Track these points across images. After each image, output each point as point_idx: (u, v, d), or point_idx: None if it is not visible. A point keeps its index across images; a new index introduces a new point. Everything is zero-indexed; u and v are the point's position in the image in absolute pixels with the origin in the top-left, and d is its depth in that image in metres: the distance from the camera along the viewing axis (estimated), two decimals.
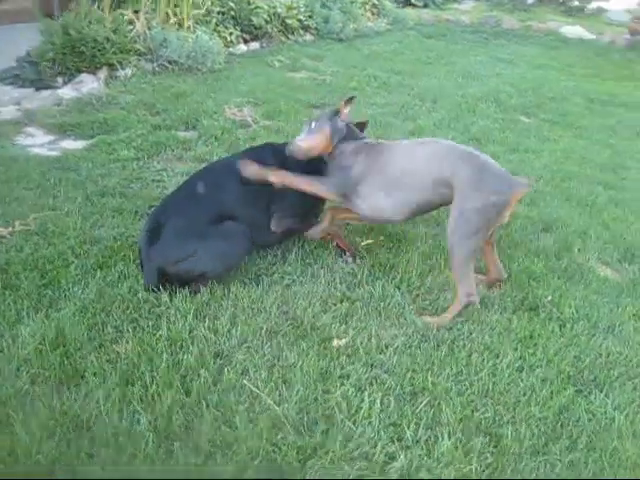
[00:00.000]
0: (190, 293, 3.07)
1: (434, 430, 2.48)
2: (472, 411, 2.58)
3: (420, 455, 2.36)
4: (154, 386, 2.49)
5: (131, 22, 6.19)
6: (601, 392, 2.78)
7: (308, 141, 3.31)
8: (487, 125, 5.86)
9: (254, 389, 2.56)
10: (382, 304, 3.17)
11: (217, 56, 6.44)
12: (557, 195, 4.56)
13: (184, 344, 2.75)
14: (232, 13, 7.23)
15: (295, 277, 3.33)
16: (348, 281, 3.34)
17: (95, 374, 2.55)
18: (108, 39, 5.70)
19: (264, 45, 7.69)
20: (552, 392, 2.73)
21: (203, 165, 4.31)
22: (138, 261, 3.16)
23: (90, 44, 5.62)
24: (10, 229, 3.49)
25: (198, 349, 2.73)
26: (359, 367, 2.74)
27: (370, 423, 2.47)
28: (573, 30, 10.39)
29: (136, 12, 6.27)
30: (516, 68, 8.16)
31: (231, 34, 7.10)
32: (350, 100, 3.35)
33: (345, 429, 2.42)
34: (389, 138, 4.21)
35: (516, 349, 2.95)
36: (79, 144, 4.76)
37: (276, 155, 3.46)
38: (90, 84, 5.65)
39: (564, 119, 6.27)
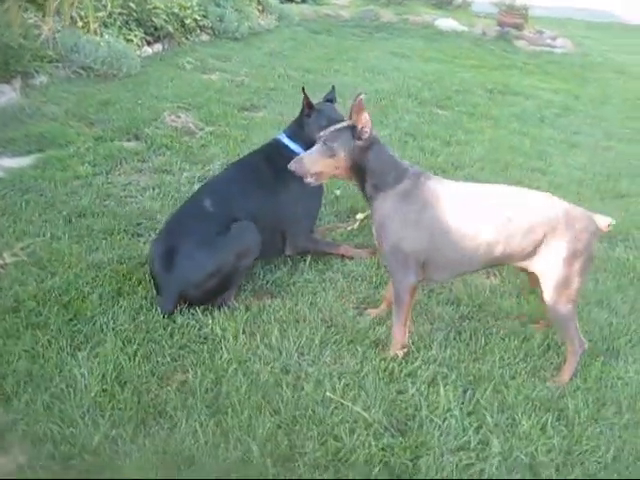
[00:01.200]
0: (219, 308, 3.01)
1: (506, 412, 2.62)
2: (531, 391, 2.75)
3: (507, 437, 2.49)
4: (245, 411, 2.44)
5: (37, 27, 5.77)
6: (617, 359, 3.06)
7: (316, 164, 2.76)
8: (413, 120, 6.12)
9: (341, 400, 2.57)
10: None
11: (132, 60, 6.18)
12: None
13: (249, 364, 2.71)
14: (134, 15, 6.94)
15: (317, 284, 3.35)
16: (366, 283, 3.41)
17: (176, 407, 2.45)
18: (21, 45, 5.29)
19: (166, 47, 7.47)
20: (585, 364, 2.96)
21: (166, 176, 4.22)
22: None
23: (2, 50, 5.19)
24: (0, 262, 3.21)
25: (267, 367, 2.70)
26: (418, 364, 2.83)
27: (453, 415, 2.57)
28: (446, 23, 11.01)
29: (43, 16, 5.86)
30: (410, 62, 8.53)
31: (135, 36, 6.83)
32: (360, 104, 2.62)
33: (434, 424, 2.51)
34: None
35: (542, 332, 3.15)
36: (21, 161, 4.42)
37: (284, 153, 3.42)
38: (7, 94, 5.23)
39: (476, 110, 6.68)
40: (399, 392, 2.68)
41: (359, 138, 2.66)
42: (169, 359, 2.71)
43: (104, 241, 3.52)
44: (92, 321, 2.86)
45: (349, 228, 3.90)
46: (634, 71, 10.23)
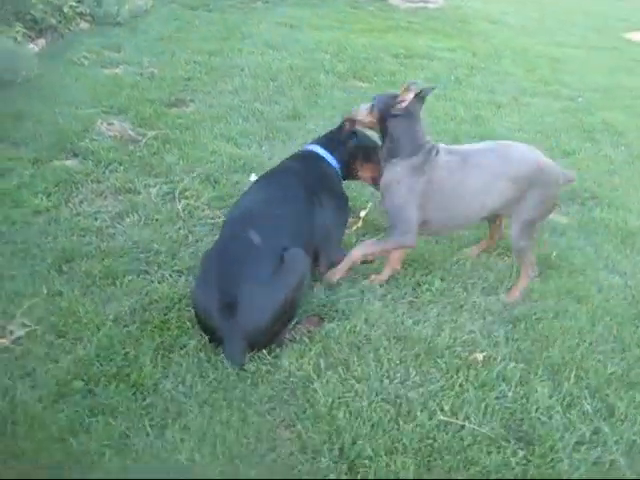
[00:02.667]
0: (280, 346, 2.80)
1: (597, 396, 2.70)
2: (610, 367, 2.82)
3: (612, 422, 2.58)
4: (382, 457, 2.29)
5: None
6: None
7: (361, 113, 3.28)
8: (342, 97, 5.97)
9: (458, 422, 2.49)
10: (446, 299, 3.25)
11: (28, 62, 5.48)
12: None
13: (350, 402, 2.54)
14: (9, 7, 6.14)
15: (358, 297, 3.20)
16: (395, 286, 3.31)
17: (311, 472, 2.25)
18: None
19: (49, 41, 6.71)
20: (605, 327, 3.13)
21: (133, 197, 3.87)
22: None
23: None
24: (10, 337, 2.75)
25: (367, 401, 2.55)
26: (501, 365, 2.80)
27: (557, 411, 2.60)
28: None
29: None
30: (303, 32, 8.30)
31: (17, 32, 6.06)
32: (410, 86, 3.12)
33: (548, 425, 2.51)
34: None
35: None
36: None
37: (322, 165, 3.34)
38: None
39: (395, 78, 6.63)
40: (497, 398, 2.63)
41: (393, 106, 3.09)
42: (267, 416, 2.46)
43: (112, 287, 3.12)
44: (159, 390, 2.54)
45: (354, 228, 3.75)
46: (505, 20, 10.67)
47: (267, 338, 2.74)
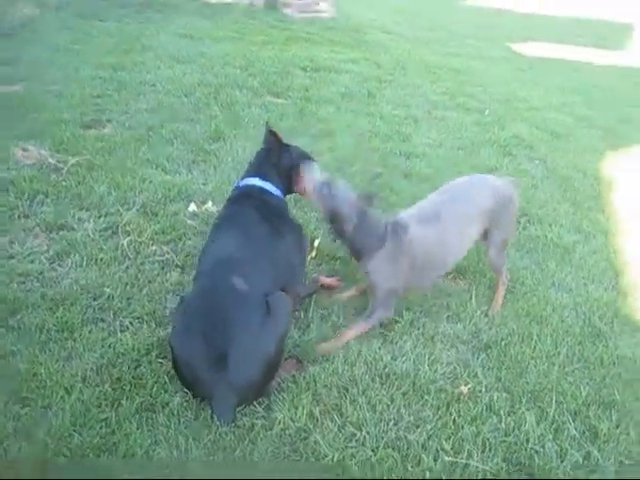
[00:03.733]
0: (268, 398, 2.68)
1: (579, 417, 2.81)
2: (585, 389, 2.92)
3: (599, 444, 2.70)
4: None
5: None
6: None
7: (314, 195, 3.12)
8: (263, 115, 5.85)
9: (463, 461, 2.49)
10: (417, 330, 3.26)
11: None
12: (398, 173, 4.96)
13: (354, 453, 2.47)
14: None
15: (332, 334, 3.13)
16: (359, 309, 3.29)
17: None
18: None
19: None
20: (568, 348, 3.27)
21: (68, 234, 3.63)
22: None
23: None
24: None
25: (371, 450, 2.50)
26: (487, 397, 2.84)
27: (549, 439, 2.65)
28: None
29: None
30: (206, 44, 8.07)
31: None
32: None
33: (547, 455, 2.57)
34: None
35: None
36: None
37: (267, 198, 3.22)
38: None
39: (310, 94, 6.59)
40: (491, 431, 2.66)
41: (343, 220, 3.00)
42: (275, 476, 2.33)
43: (71, 342, 2.86)
44: (154, 459, 2.34)
45: (308, 257, 3.66)
46: (399, 31, 10.91)
47: (258, 391, 2.60)
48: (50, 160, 4.36)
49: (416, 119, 6.36)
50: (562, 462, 2.56)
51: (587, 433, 2.74)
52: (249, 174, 3.33)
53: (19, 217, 3.75)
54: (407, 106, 6.77)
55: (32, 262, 3.39)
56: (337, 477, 2.34)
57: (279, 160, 3.30)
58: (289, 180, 3.34)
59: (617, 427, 2.78)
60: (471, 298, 3.54)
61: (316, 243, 3.75)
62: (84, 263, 3.40)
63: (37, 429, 2.38)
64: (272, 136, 3.29)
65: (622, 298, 3.81)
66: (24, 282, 3.22)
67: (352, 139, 5.49)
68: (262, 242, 2.97)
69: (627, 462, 2.62)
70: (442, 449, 2.53)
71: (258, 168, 3.31)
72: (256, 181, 3.24)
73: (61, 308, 3.03)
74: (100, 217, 3.85)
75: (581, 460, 2.59)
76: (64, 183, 4.14)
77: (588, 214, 4.79)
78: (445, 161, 5.36)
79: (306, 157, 3.38)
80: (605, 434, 2.73)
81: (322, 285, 3.45)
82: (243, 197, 3.20)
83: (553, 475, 2.49)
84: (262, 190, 3.22)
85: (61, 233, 3.65)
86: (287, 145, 3.38)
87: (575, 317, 3.55)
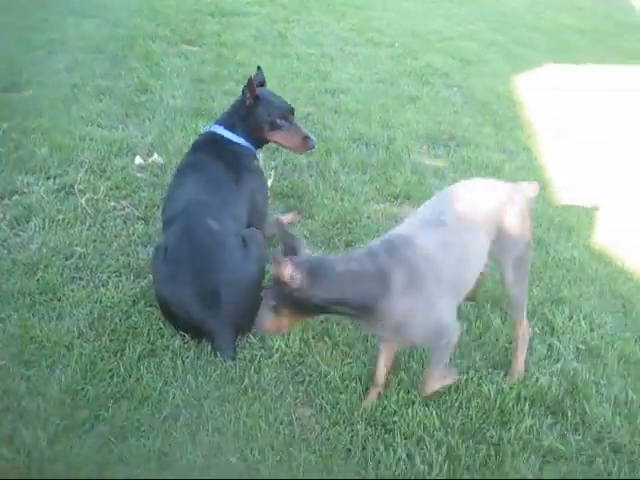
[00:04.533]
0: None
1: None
2: None
3: None
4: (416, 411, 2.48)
5: None
6: None
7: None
8: (185, 63, 5.81)
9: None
10: None
11: None
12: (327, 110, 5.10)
13: (352, 370, 2.68)
14: None
15: None
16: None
17: None
18: None
19: None
20: None
21: (21, 198, 3.61)
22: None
23: None
24: None
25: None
26: None
27: None
28: None
29: None
30: None
31: None
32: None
33: None
34: None
35: None
36: None
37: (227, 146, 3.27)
38: None
39: (222, 40, 6.51)
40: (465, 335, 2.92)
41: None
42: (286, 399, 2.52)
43: (57, 302, 2.90)
44: (169, 399, 2.46)
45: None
46: None
47: (251, 321, 2.75)
48: None
49: (331, 57, 6.47)
50: (530, 355, 2.85)
51: (545, 328, 3.07)
52: (217, 121, 3.38)
53: None
54: (319, 45, 6.86)
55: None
56: None
57: (248, 114, 3.29)
58: (260, 132, 3.35)
59: (570, 319, 3.12)
60: None
61: (269, 183, 3.86)
62: (46, 226, 3.39)
63: (49, 387, 2.44)
64: (248, 88, 3.25)
65: (553, 208, 4.16)
66: None
67: (275, 81, 5.50)
68: (227, 187, 3.07)
69: (583, 348, 2.95)
70: (425, 356, 2.76)
71: (227, 117, 3.36)
72: (221, 130, 3.30)
73: (38, 272, 3.03)
74: (49, 179, 3.81)
75: (545, 351, 2.91)
76: (1, 149, 4.03)
77: (509, 134, 5.12)
78: (369, 94, 5.54)
79: (283, 113, 3.35)
80: (561, 327, 3.07)
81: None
82: (207, 144, 3.27)
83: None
84: (226, 139, 3.28)
85: (14, 199, 3.61)
86: (263, 98, 3.32)
87: None
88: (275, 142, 3.48)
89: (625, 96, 6.41)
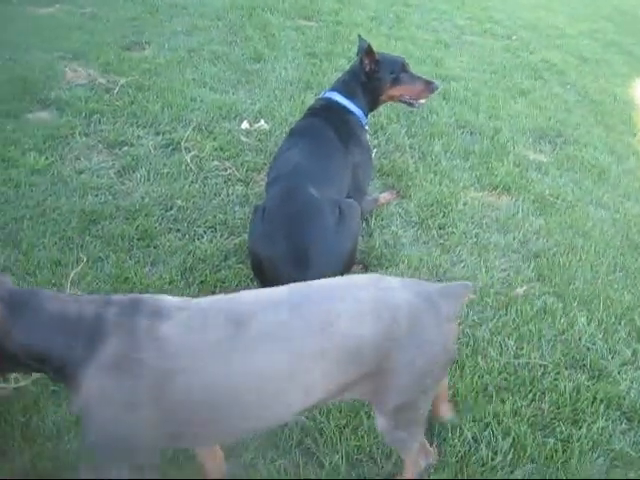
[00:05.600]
0: None
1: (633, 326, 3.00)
2: None
3: None
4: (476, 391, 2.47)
5: None
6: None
7: None
8: (301, 38, 5.88)
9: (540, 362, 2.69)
10: (470, 240, 3.45)
11: None
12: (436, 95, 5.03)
13: None
14: None
15: (389, 246, 3.31)
16: (422, 231, 3.45)
17: None
18: None
19: None
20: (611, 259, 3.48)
21: (130, 149, 3.79)
22: None
23: None
24: None
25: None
26: (545, 304, 3.04)
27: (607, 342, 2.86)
28: None
29: None
30: None
31: None
32: None
33: (604, 355, 2.79)
34: None
35: None
36: None
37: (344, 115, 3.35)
38: None
39: (338, 18, 6.59)
40: (549, 329, 2.86)
41: None
42: None
43: (152, 249, 3.06)
44: None
45: None
46: None
47: None
48: (101, 80, 4.47)
49: (446, 44, 6.41)
50: (612, 358, 2.78)
51: (633, 333, 2.96)
52: (334, 88, 3.46)
53: (80, 135, 3.88)
54: (435, 31, 6.80)
55: (101, 177, 3.55)
56: None
57: (369, 80, 3.39)
58: (375, 99, 3.47)
59: None
60: (518, 211, 3.71)
61: None
62: (151, 177, 3.56)
63: None
64: (367, 56, 3.35)
65: None
66: (97, 195, 3.38)
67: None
68: (334, 155, 3.12)
69: None
70: (505, 345, 2.74)
71: (344, 85, 3.43)
72: (339, 97, 3.38)
73: (138, 218, 3.20)
74: (158, 134, 3.99)
75: (630, 355, 2.81)
76: (117, 103, 4.26)
77: (620, 137, 4.93)
78: (480, 84, 5.45)
79: (403, 67, 3.49)
80: None
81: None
82: (323, 110, 3.35)
83: (604, 370, 2.69)
84: (342, 107, 3.35)
85: (124, 149, 3.80)
86: (381, 60, 3.41)
87: (614, 231, 3.73)
88: (397, 98, 3.57)
89: None
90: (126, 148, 3.81)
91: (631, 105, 5.59)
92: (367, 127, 3.53)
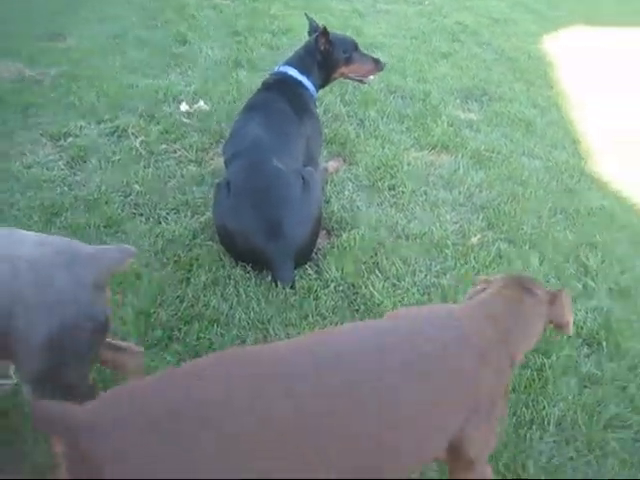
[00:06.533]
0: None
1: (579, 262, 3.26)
2: None
3: None
4: None
5: None
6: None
7: None
8: (221, 17, 5.88)
9: None
10: (420, 198, 3.62)
11: None
12: None
13: (400, 301, 2.85)
14: None
15: (346, 210, 3.45)
16: (375, 193, 3.62)
17: None
18: None
19: None
20: (551, 202, 3.74)
21: (74, 140, 3.75)
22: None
23: None
24: None
25: (414, 292, 2.87)
26: (499, 249, 3.26)
27: (559, 279, 3.11)
28: None
29: None
30: None
31: None
32: None
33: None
34: None
35: None
36: None
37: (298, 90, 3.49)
38: None
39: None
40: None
41: None
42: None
43: (122, 234, 3.09)
44: (236, 321, 2.63)
45: None
46: None
47: (309, 253, 2.94)
48: (29, 72, 4.37)
49: (362, 13, 6.55)
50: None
51: (580, 269, 3.23)
52: (289, 63, 3.58)
53: (20, 129, 3.80)
54: (350, 0, 6.92)
55: (51, 169, 3.51)
56: None
57: (323, 59, 3.56)
58: (328, 76, 3.66)
59: (602, 262, 3.28)
60: (459, 167, 3.92)
61: None
62: (102, 165, 3.55)
63: (124, 311, 2.61)
64: (322, 36, 3.51)
65: (583, 161, 4.29)
66: (52, 188, 3.35)
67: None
68: (291, 128, 3.24)
69: (616, 288, 3.12)
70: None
71: (300, 61, 3.57)
72: (294, 72, 3.51)
73: (100, 206, 3.20)
74: (99, 123, 3.96)
75: (581, 288, 3.07)
76: (52, 94, 4.19)
77: (540, 91, 5.22)
78: (402, 50, 5.63)
79: (354, 47, 3.69)
80: (594, 269, 3.22)
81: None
82: (278, 84, 3.46)
83: None
84: (297, 82, 3.48)
85: (69, 140, 3.76)
86: (334, 40, 3.58)
87: (549, 178, 4.00)
88: (346, 76, 3.76)
89: None
90: (71, 139, 3.77)
91: (544, 61, 5.90)
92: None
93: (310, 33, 3.64)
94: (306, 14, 3.78)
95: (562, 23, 7.10)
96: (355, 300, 2.82)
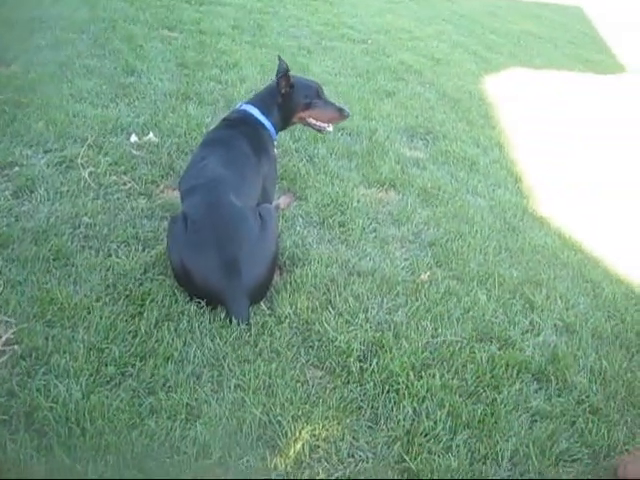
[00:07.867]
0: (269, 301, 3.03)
1: (525, 298, 3.38)
2: None
3: None
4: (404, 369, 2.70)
5: None
6: None
7: None
8: (169, 48, 5.90)
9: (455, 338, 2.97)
10: (371, 235, 3.70)
11: None
12: None
13: (357, 336, 2.89)
14: None
15: (298, 247, 3.49)
16: (326, 229, 3.67)
17: None
18: None
19: None
20: (496, 241, 3.88)
21: (20, 170, 3.64)
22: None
23: None
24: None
25: (368, 329, 2.91)
26: (449, 286, 3.35)
27: (507, 315, 3.22)
28: None
29: None
30: None
31: None
32: None
33: (507, 326, 3.13)
34: None
35: None
36: None
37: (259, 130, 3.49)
38: None
39: (201, 27, 6.63)
40: (456, 309, 3.16)
41: None
42: (298, 360, 2.70)
43: (71, 268, 3.00)
44: (190, 358, 2.60)
45: None
46: None
47: (265, 290, 2.94)
48: None
49: (309, 50, 6.67)
50: (514, 329, 3.12)
51: (526, 305, 3.34)
52: (252, 102, 3.60)
53: None
54: (296, 37, 7.05)
55: None
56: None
57: (283, 101, 3.57)
58: (287, 120, 3.67)
59: (547, 299, 3.40)
60: (406, 205, 4.01)
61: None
62: (51, 196, 3.47)
63: (75, 346, 2.55)
64: (283, 79, 3.51)
65: (525, 199, 4.47)
66: None
67: (257, 69, 5.73)
68: (249, 166, 3.27)
69: (561, 324, 3.23)
70: (422, 326, 2.99)
71: (262, 101, 3.58)
72: (255, 112, 3.52)
73: (50, 239, 3.13)
74: (47, 152, 3.88)
75: (528, 324, 3.18)
76: None
77: (482, 130, 5.43)
78: (348, 87, 5.75)
79: (317, 93, 3.67)
80: (540, 305, 3.34)
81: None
82: (239, 122, 3.47)
83: (509, 340, 3.02)
84: (258, 122, 3.50)
85: (14, 170, 3.66)
86: (297, 84, 3.61)
87: (493, 217, 4.15)
88: (306, 122, 3.73)
89: (584, 99, 6.83)
90: (17, 169, 3.68)
91: (485, 101, 6.14)
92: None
93: (278, 74, 3.66)
94: (279, 56, 3.78)
95: (501, 65, 7.42)
96: (309, 336, 2.83)
